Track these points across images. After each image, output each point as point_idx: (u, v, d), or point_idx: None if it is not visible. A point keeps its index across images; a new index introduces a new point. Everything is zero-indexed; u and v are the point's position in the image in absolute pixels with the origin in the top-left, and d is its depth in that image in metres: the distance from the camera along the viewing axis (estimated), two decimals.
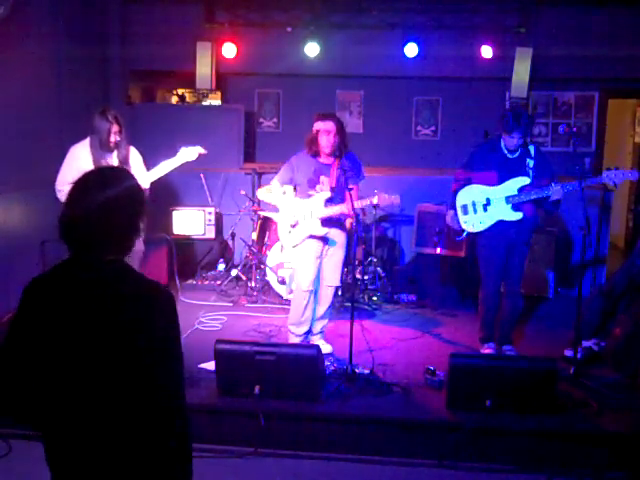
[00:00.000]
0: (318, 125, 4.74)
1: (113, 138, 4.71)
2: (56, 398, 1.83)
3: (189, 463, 1.90)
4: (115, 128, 4.69)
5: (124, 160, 4.82)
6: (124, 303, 1.81)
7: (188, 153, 4.90)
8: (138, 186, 1.95)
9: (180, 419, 1.86)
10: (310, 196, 4.85)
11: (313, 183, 4.83)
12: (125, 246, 1.90)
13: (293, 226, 4.90)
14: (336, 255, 4.96)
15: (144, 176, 4.84)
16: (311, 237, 4.86)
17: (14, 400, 1.86)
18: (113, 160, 4.81)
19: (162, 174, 4.92)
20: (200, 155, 4.96)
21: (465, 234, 5.02)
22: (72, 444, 1.84)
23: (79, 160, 4.72)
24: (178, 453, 1.86)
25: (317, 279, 4.97)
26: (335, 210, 4.79)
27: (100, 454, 1.82)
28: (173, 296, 1.91)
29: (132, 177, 1.95)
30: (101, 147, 4.72)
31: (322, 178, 4.83)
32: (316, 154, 4.81)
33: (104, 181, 1.87)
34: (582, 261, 4.52)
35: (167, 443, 1.83)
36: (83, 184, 1.87)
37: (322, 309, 5.06)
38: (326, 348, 4.91)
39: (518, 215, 4.77)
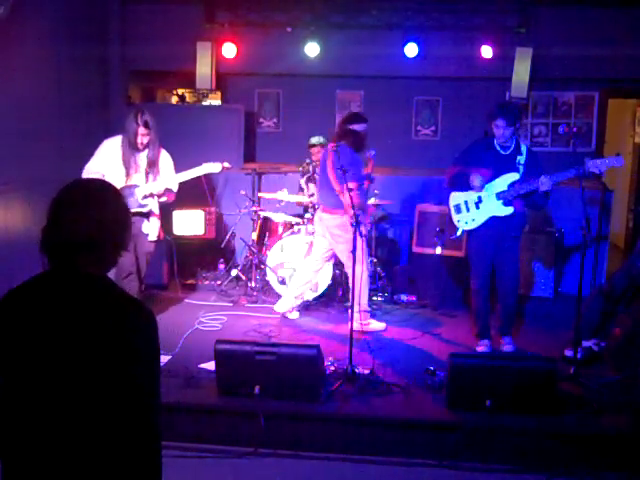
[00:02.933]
0: (360, 128, 5.36)
1: (140, 139, 4.86)
2: (23, 415, 1.75)
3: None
4: (142, 131, 4.83)
5: (153, 162, 4.97)
6: (100, 318, 1.74)
7: (212, 166, 5.08)
8: (123, 203, 1.93)
9: (153, 438, 1.79)
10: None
11: None
12: (108, 262, 1.87)
13: None
14: None
15: (173, 179, 5.01)
16: None
17: None
18: (141, 160, 4.95)
19: (182, 180, 5.08)
20: (224, 168, 5.17)
21: (460, 232, 5.14)
22: (38, 462, 1.75)
23: (109, 154, 4.90)
24: (149, 471, 1.79)
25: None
26: None
27: (68, 470, 1.74)
28: (153, 314, 1.84)
29: (118, 194, 1.94)
30: (129, 146, 4.87)
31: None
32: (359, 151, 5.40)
33: (90, 196, 1.85)
34: (582, 261, 4.52)
35: (138, 460, 1.76)
36: (68, 198, 1.84)
37: None
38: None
39: (509, 210, 4.88)
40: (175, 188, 5.07)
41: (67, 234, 1.79)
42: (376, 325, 5.59)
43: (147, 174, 4.93)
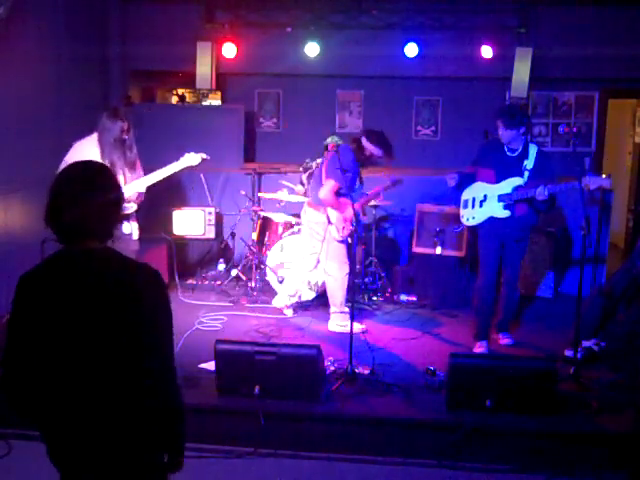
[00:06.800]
0: (375, 151, 5.38)
1: (125, 135, 4.72)
2: (59, 381, 1.97)
3: (183, 420, 2.13)
4: (126, 126, 4.71)
5: (132, 162, 4.80)
6: (113, 284, 1.99)
7: (191, 158, 4.95)
8: (116, 182, 2.10)
9: (172, 382, 2.09)
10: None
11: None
12: (106, 233, 2.07)
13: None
14: None
15: (142, 180, 4.82)
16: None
17: (21, 393, 1.98)
18: (120, 160, 4.79)
19: (161, 178, 4.89)
20: (203, 160, 5.02)
21: (461, 227, 5.44)
22: (75, 422, 1.98)
23: (85, 157, 4.63)
24: (174, 412, 2.10)
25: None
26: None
27: (102, 424, 1.98)
28: (159, 272, 2.08)
29: (111, 173, 2.11)
30: (114, 146, 4.69)
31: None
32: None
33: (89, 183, 2.02)
34: (582, 261, 4.52)
35: (163, 404, 2.05)
36: (66, 176, 2.03)
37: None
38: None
39: (506, 213, 4.92)
40: (144, 190, 4.85)
41: (72, 222, 1.97)
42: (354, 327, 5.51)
43: (124, 175, 4.79)
